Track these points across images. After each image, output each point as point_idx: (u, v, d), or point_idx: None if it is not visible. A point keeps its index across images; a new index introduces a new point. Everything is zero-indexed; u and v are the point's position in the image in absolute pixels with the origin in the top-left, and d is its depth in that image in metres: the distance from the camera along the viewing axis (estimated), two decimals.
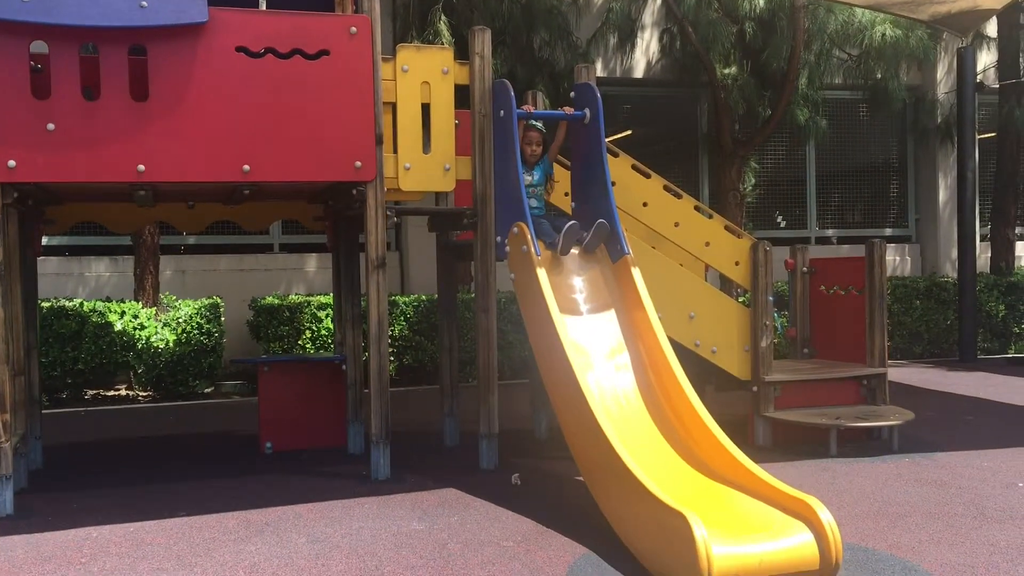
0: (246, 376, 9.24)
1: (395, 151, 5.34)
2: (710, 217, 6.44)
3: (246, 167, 4.88)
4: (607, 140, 5.62)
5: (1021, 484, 4.91)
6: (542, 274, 4.92)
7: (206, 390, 9.05)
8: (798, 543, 3.46)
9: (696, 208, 6.39)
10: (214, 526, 4.36)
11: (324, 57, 4.99)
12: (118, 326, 8.54)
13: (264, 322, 9.02)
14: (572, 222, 5.23)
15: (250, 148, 4.89)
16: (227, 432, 7.06)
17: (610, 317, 5.08)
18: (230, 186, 5.29)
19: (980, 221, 11.99)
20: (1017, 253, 12.42)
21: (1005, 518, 4.28)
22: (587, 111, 5.49)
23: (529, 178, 5.51)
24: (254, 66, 4.90)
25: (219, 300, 9.06)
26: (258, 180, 4.97)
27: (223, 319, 9.00)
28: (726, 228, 6.35)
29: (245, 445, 6.33)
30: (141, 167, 4.72)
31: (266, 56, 4.92)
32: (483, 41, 5.47)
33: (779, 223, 12.88)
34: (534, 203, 5.52)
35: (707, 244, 6.29)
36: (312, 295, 9.69)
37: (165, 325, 8.72)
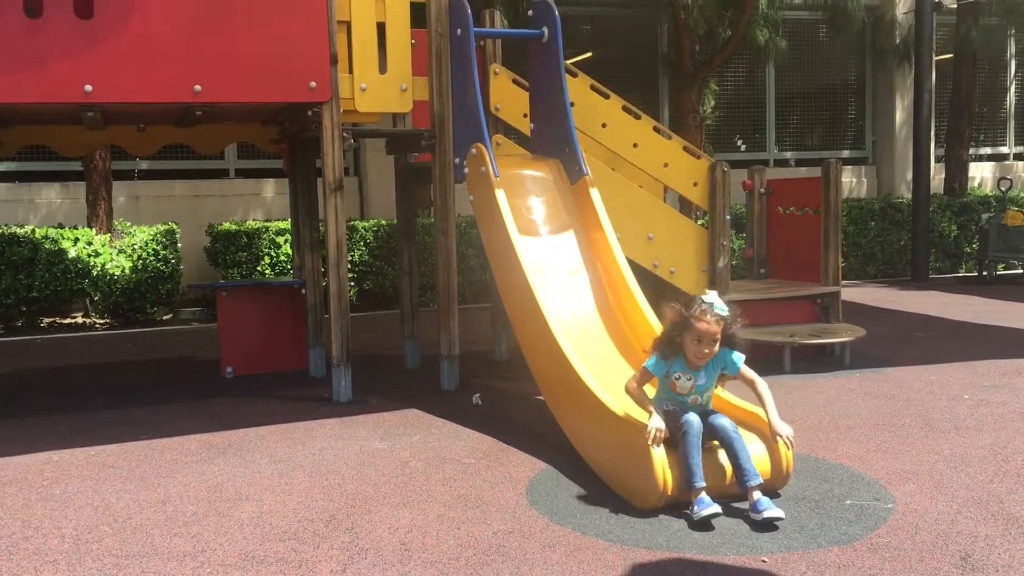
0: (205, 302, 9.18)
1: (350, 71, 5.24)
2: (669, 138, 6.43)
3: (197, 87, 4.76)
4: (567, 62, 5.56)
5: (966, 396, 5.07)
6: (500, 195, 4.91)
7: (164, 317, 8.98)
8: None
9: (655, 129, 6.37)
10: (176, 448, 4.38)
11: None
12: (72, 253, 8.40)
13: (222, 248, 8.93)
14: None
15: (201, 67, 4.77)
16: (187, 358, 7.04)
17: (569, 238, 5.10)
18: (182, 107, 5.17)
19: (935, 143, 12.11)
20: (970, 174, 12.60)
21: (950, 428, 4.44)
22: (545, 30, 5.41)
23: (689, 381, 3.57)
24: None
25: (175, 226, 8.94)
26: (210, 101, 4.86)
27: (179, 245, 8.90)
28: (684, 149, 6.35)
29: (206, 370, 6.32)
30: (88, 87, 4.58)
31: None
32: None
33: (739, 146, 12.91)
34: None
35: (665, 165, 6.29)
36: (270, 220, 9.59)
37: (120, 252, 8.60)
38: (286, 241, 8.98)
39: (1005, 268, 11.18)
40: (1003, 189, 11.06)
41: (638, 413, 3.66)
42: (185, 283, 9.03)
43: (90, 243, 8.57)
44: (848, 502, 3.46)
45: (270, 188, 10.56)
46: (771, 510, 3.24)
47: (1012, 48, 13.87)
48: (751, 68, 12.58)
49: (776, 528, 3.20)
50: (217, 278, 9.02)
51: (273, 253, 9.02)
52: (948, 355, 6.24)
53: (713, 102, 11.61)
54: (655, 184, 6.50)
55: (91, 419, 5.02)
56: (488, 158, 5.03)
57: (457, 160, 5.41)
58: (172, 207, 10.07)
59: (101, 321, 8.82)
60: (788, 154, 13.01)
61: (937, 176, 12.23)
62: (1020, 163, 13.99)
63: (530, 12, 5.62)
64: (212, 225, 9.16)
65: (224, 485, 3.82)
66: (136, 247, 8.57)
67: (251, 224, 9.20)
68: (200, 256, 9.42)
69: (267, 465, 4.08)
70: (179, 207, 10.10)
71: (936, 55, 11.29)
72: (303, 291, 6.22)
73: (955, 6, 11.88)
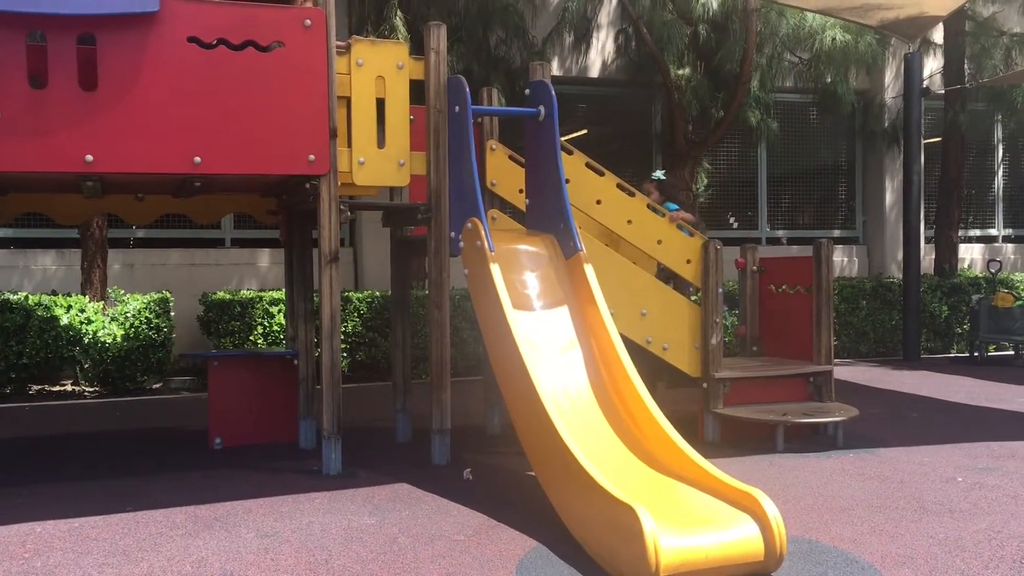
0: (196, 372, 9.13)
1: (349, 145, 5.31)
2: (662, 216, 6.51)
3: (197, 159, 4.82)
4: (563, 139, 5.65)
5: (960, 478, 5.04)
6: (495, 269, 4.94)
7: (154, 385, 8.93)
8: (744, 535, 3.52)
9: (649, 206, 6.45)
10: (161, 521, 4.31)
11: (277, 49, 4.96)
12: (64, 320, 8.38)
13: (215, 317, 8.92)
14: None
15: (201, 139, 4.84)
16: (175, 428, 6.97)
17: (563, 313, 5.11)
18: (180, 178, 5.24)
19: (925, 224, 12.27)
20: (960, 255, 12.72)
21: (944, 511, 4.40)
22: (541, 108, 5.51)
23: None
24: (206, 57, 4.85)
25: (168, 294, 8.95)
26: (209, 172, 4.92)
27: (172, 314, 8.89)
28: (678, 226, 6.42)
29: (194, 441, 6.26)
30: (89, 157, 4.64)
31: (218, 47, 4.87)
32: (438, 37, 5.47)
33: (731, 223, 13.05)
34: None
35: (659, 242, 6.35)
36: (264, 290, 9.61)
37: (113, 319, 8.58)
38: (280, 311, 8.98)
39: (996, 349, 11.21)
40: (992, 271, 11.16)
41: (630, 492, 3.62)
42: (177, 352, 9.00)
43: (83, 310, 8.56)
44: None
45: (265, 258, 10.61)
46: None
47: (999, 133, 14.15)
48: (743, 147, 12.79)
49: None
50: (210, 347, 8.99)
51: (266, 323, 9.02)
52: (941, 436, 6.21)
53: (706, 180, 11.79)
54: (649, 261, 6.56)
55: (75, 489, 4.95)
56: (483, 232, 5.08)
57: (453, 234, 5.46)
58: (167, 275, 10.10)
59: (90, 389, 8.76)
60: (780, 232, 13.14)
61: (927, 257, 12.34)
62: (1009, 245, 14.16)
63: (527, 91, 5.73)
64: (206, 294, 9.18)
65: (209, 560, 3.75)
66: (129, 315, 8.56)
67: (245, 294, 9.22)
68: (193, 325, 9.40)
69: (253, 539, 4.02)
70: (174, 275, 10.13)
71: (924, 138, 11.50)
72: (295, 362, 6.20)
73: (943, 92, 12.16)
